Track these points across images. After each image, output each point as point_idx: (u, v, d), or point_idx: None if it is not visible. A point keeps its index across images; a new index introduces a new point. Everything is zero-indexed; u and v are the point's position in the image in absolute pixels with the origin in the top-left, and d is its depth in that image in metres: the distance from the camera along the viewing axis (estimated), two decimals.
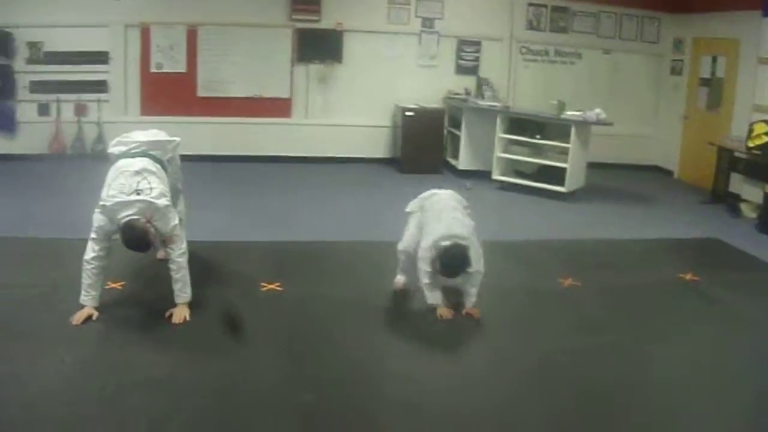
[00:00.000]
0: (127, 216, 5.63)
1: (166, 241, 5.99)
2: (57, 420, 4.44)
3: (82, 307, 5.88)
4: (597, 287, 7.27)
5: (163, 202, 5.80)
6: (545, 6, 14.02)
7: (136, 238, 5.62)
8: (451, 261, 6.06)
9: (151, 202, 5.71)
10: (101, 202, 5.74)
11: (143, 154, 6.17)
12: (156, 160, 6.20)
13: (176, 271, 5.98)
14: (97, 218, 5.79)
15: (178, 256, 5.96)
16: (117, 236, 5.78)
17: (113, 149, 6.36)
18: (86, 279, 5.85)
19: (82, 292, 5.86)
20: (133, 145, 6.27)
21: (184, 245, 6.03)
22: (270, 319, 6.22)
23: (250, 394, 4.92)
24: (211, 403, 4.78)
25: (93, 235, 5.82)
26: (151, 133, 6.60)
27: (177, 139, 6.70)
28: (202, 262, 6.89)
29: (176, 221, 5.94)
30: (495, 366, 5.60)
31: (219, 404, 4.77)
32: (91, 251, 5.82)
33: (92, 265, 5.83)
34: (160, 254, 6.82)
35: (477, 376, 5.41)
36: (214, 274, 7.02)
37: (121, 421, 4.46)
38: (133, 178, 5.82)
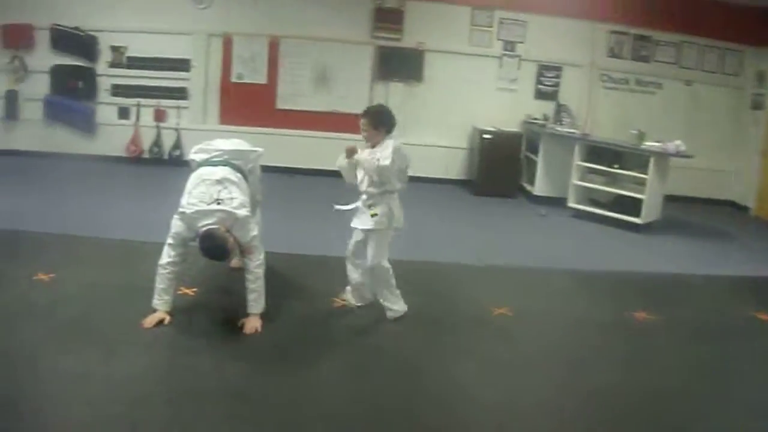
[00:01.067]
0: (207, 225, 5.81)
1: (243, 251, 6.12)
2: (122, 421, 4.63)
3: (155, 310, 6.07)
4: (669, 322, 7.35)
5: (243, 212, 5.95)
6: (627, 34, 14.43)
7: (215, 247, 5.80)
8: None
9: (231, 212, 5.87)
10: (181, 209, 5.91)
11: (225, 163, 6.33)
12: (237, 169, 6.35)
13: (252, 281, 6.16)
14: (176, 224, 5.96)
15: (256, 267, 6.13)
16: (193, 243, 5.95)
17: (195, 156, 6.57)
18: (160, 283, 6.05)
19: (155, 296, 6.08)
20: (216, 153, 6.48)
21: (262, 256, 6.19)
22: (342, 334, 6.43)
23: (316, 411, 5.04)
24: (277, 416, 4.94)
25: (170, 241, 6.01)
26: (234, 142, 6.81)
27: (259, 149, 6.90)
28: (277, 274, 7.13)
29: (255, 232, 6.09)
30: (556, 394, 5.69)
31: (285, 418, 4.93)
32: (166, 256, 6.02)
33: (167, 270, 6.04)
34: (234, 263, 7.09)
35: (536, 400, 5.56)
36: (288, 286, 7.24)
37: (187, 426, 4.66)
38: (215, 187, 5.99)
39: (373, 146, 6.48)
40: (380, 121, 6.53)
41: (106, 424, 4.58)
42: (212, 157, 6.43)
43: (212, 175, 6.09)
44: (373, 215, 6.47)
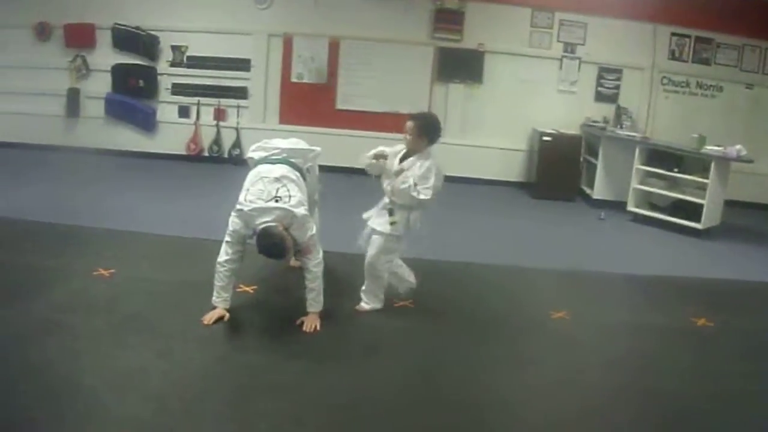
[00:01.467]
0: (265, 222, 5.87)
1: (302, 250, 6.16)
2: (178, 416, 4.76)
3: (214, 307, 6.20)
4: (730, 330, 7.27)
5: (302, 211, 5.99)
6: (689, 36, 14.49)
7: (273, 245, 5.82)
8: None
9: (289, 210, 5.92)
10: (238, 206, 5.98)
11: (284, 161, 6.39)
12: (296, 168, 6.40)
13: (311, 280, 6.24)
14: (234, 222, 6.04)
15: (314, 266, 6.19)
16: (251, 240, 6.00)
17: (253, 154, 6.64)
18: (218, 281, 6.16)
19: (214, 294, 6.19)
20: (274, 151, 6.53)
21: (320, 255, 6.24)
22: (401, 335, 6.50)
23: (375, 410, 5.11)
24: (335, 416, 5.00)
25: (228, 239, 6.09)
26: (292, 141, 6.83)
27: (317, 148, 6.92)
28: (336, 273, 7.22)
29: (313, 231, 6.13)
30: (614, 400, 5.67)
31: (343, 417, 5.00)
32: (224, 254, 6.10)
33: (225, 268, 6.13)
34: (293, 262, 7.12)
35: (594, 405, 5.57)
36: (347, 286, 7.21)
37: (244, 423, 4.76)
38: (273, 185, 6.04)
39: (407, 153, 6.55)
40: (427, 130, 6.55)
41: (163, 419, 4.72)
42: (271, 155, 6.48)
43: (270, 173, 6.14)
44: (392, 223, 6.55)
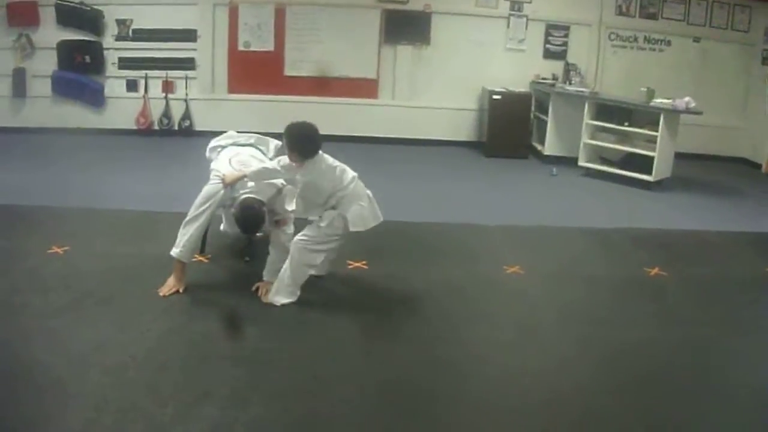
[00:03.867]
0: (246, 193, 5.94)
1: (279, 222, 6.25)
2: (139, 388, 4.75)
3: (171, 278, 6.26)
4: (683, 278, 7.39)
5: (281, 183, 6.09)
6: None
7: (254, 216, 5.85)
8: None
9: (272, 182, 6.01)
10: (218, 173, 6.02)
11: (252, 146, 6.65)
12: (263, 153, 6.61)
13: (280, 251, 6.24)
14: (213, 188, 6.05)
15: (287, 240, 6.20)
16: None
17: (217, 143, 6.81)
18: (183, 236, 6.11)
19: (175, 247, 6.15)
20: (241, 138, 6.73)
21: (292, 228, 6.29)
22: (356, 296, 6.54)
23: (334, 371, 5.15)
24: (293, 378, 5.02)
25: (201, 201, 6.07)
26: (246, 135, 6.94)
27: (276, 141, 6.79)
28: None
29: (292, 205, 6.16)
30: (575, 352, 5.72)
31: (301, 379, 5.02)
32: (194, 217, 6.10)
33: (193, 227, 6.08)
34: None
35: (556, 358, 5.60)
36: None
37: (205, 391, 4.75)
38: (253, 160, 6.20)
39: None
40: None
41: (123, 392, 4.69)
42: (237, 142, 6.65)
43: (246, 152, 6.36)
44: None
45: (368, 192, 6.41)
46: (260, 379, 4.99)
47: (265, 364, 5.18)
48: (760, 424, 4.79)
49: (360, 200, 6.16)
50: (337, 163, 6.18)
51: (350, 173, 6.18)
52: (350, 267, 7.13)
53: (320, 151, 6.04)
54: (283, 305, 6.16)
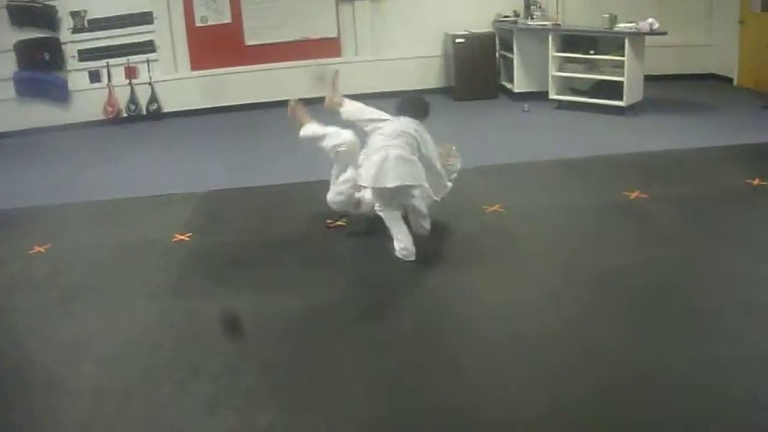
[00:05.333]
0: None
1: None
2: (134, 374, 4.82)
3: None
4: (664, 198, 7.46)
5: None
6: None
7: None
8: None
9: None
10: None
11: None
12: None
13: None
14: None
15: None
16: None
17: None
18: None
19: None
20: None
21: None
22: (338, 251, 6.72)
23: (324, 332, 5.26)
24: (284, 343, 5.13)
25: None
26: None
27: None
28: (272, 205, 7.66)
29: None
30: (564, 282, 5.80)
31: (293, 344, 5.13)
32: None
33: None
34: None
35: (547, 290, 5.66)
36: (285, 216, 7.54)
37: (199, 366, 4.83)
38: None
39: None
40: None
41: (120, 381, 4.75)
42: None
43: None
44: None
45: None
46: (251, 348, 5.07)
47: (254, 333, 5.25)
48: (752, 337, 4.83)
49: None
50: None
51: None
52: (331, 226, 7.25)
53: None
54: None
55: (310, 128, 6.86)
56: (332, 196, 6.91)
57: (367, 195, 6.69)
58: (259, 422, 4.29)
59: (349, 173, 6.74)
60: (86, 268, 6.66)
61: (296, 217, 7.32)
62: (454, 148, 7.19)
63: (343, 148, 6.69)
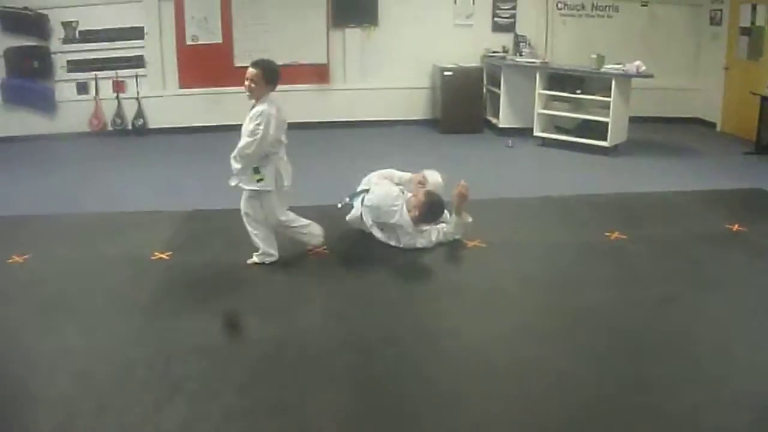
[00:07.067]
0: None
1: None
2: (108, 388, 4.80)
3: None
4: (644, 240, 7.53)
5: None
6: None
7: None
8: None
9: None
10: None
11: None
12: None
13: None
14: None
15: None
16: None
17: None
18: None
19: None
20: None
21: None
22: (318, 282, 6.64)
23: (301, 358, 5.25)
24: (260, 367, 5.10)
25: None
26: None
27: None
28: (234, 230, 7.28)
29: None
30: (541, 317, 5.90)
31: (269, 369, 5.09)
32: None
33: None
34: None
35: (522, 327, 5.72)
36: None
37: (173, 386, 4.80)
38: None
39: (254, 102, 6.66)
40: (272, 78, 6.66)
41: (92, 394, 4.73)
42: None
43: None
44: (258, 180, 6.61)
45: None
46: (228, 371, 5.04)
47: (231, 357, 5.25)
48: (723, 378, 4.90)
49: None
50: None
51: None
52: (311, 255, 7.28)
53: None
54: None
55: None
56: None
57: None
58: None
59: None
60: (64, 280, 6.60)
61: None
62: (463, 182, 7.51)
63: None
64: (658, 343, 5.41)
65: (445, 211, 7.52)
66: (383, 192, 7.24)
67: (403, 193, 7.38)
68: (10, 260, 7.10)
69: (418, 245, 7.26)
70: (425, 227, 7.38)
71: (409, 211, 7.17)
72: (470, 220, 7.45)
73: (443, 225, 7.54)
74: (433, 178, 7.62)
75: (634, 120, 12.62)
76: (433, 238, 7.36)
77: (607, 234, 7.69)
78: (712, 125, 14.62)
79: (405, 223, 7.14)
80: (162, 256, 7.12)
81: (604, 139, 11.91)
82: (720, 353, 5.24)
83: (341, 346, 5.43)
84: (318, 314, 5.97)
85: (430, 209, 7.24)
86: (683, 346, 5.39)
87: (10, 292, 6.41)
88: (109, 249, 7.34)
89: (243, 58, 13.48)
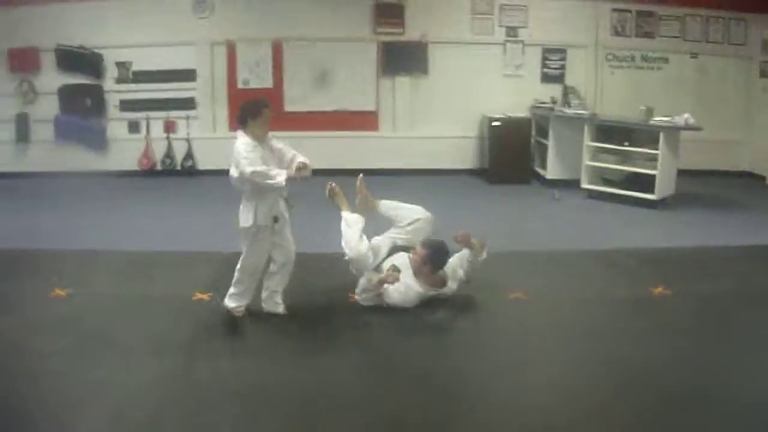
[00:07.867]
0: None
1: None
2: (138, 426, 4.83)
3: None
4: (689, 296, 7.43)
5: None
6: (630, 11, 14.62)
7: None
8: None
9: None
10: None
11: None
12: None
13: None
14: None
15: None
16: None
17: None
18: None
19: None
20: None
21: None
22: (354, 329, 6.63)
23: (337, 403, 5.21)
24: (297, 412, 5.08)
25: None
26: None
27: None
28: (298, 271, 7.26)
29: None
30: (578, 370, 5.86)
31: (305, 413, 5.08)
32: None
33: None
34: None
35: (559, 380, 5.67)
36: (303, 284, 7.33)
37: (205, 429, 4.83)
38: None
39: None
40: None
41: (130, 428, 4.80)
42: None
43: None
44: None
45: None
46: (261, 415, 5.05)
47: (267, 400, 5.24)
48: None
49: None
50: None
51: None
52: (352, 300, 7.20)
53: None
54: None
55: (347, 229, 7.21)
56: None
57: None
58: None
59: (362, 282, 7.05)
60: (104, 316, 6.69)
61: (319, 287, 7.36)
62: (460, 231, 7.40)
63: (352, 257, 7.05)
64: (701, 404, 5.30)
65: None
66: (399, 299, 6.98)
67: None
68: (53, 293, 7.19)
69: (454, 289, 7.24)
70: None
71: (419, 273, 7.03)
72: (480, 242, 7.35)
73: (457, 264, 7.37)
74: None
75: (682, 173, 12.46)
76: (459, 275, 7.30)
77: (651, 289, 7.59)
78: (762, 179, 14.51)
79: (424, 290, 7.04)
80: (203, 296, 7.17)
81: (652, 191, 11.81)
82: (762, 412, 5.13)
83: (370, 394, 5.42)
84: (353, 361, 5.97)
85: (436, 254, 7.04)
86: (725, 407, 5.24)
87: (50, 325, 6.49)
88: (151, 287, 7.43)
89: (293, 103, 13.74)
